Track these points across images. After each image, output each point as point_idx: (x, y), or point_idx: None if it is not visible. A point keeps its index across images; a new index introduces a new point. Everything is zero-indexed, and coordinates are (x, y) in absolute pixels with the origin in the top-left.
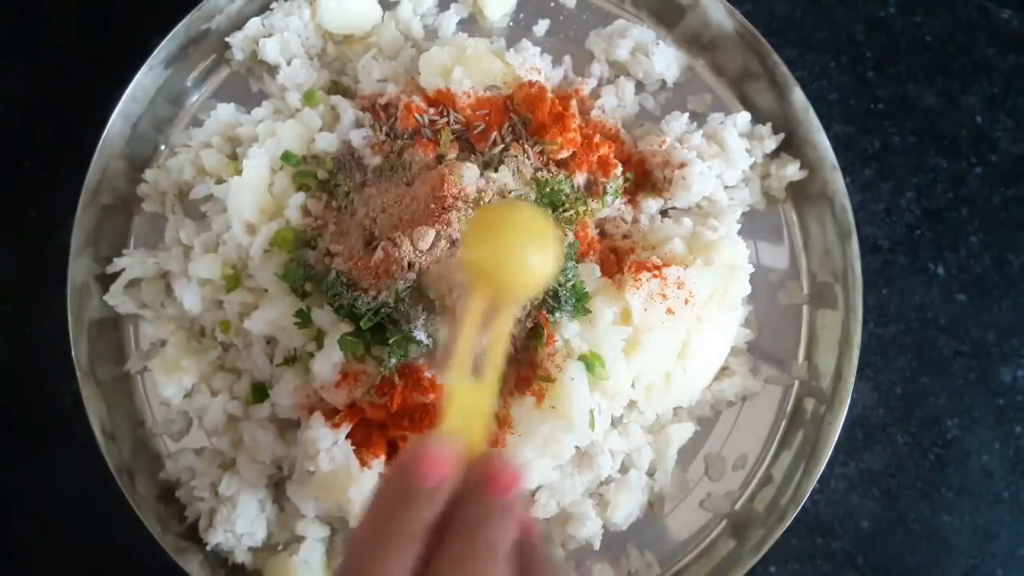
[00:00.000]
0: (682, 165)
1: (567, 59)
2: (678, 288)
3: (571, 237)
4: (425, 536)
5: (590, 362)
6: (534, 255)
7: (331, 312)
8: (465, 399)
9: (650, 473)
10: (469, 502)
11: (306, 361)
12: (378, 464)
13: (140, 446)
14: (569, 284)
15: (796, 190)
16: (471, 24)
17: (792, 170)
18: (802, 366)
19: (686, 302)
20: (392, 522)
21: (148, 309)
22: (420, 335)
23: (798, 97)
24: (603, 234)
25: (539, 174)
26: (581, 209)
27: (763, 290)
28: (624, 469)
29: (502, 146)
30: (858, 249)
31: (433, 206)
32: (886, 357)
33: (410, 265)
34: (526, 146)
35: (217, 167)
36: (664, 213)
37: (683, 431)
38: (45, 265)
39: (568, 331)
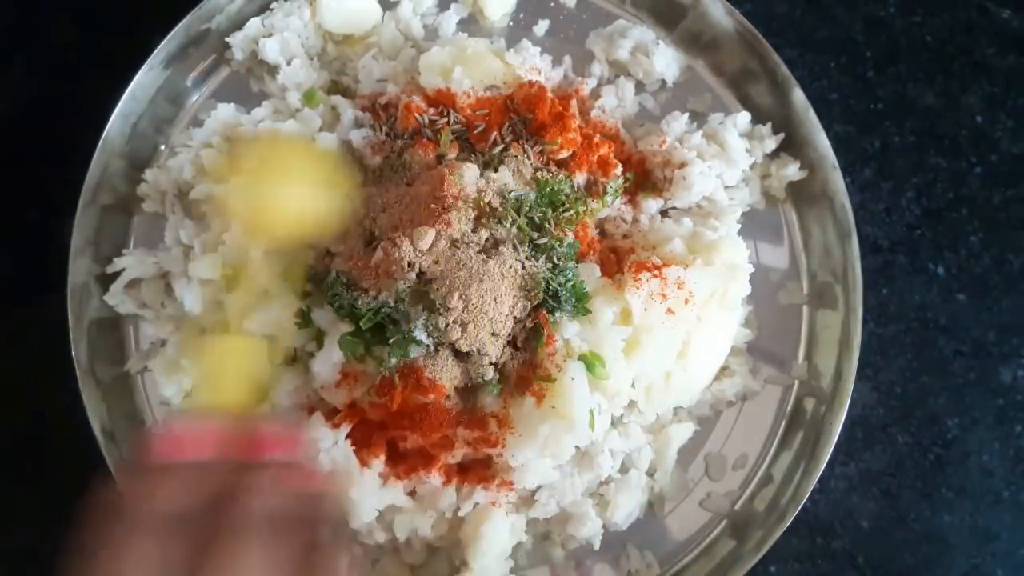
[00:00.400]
0: (682, 165)
1: (567, 59)
2: (678, 288)
3: (571, 237)
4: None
5: (590, 362)
6: (290, 195)
7: (331, 312)
8: (223, 353)
9: (650, 473)
10: (225, 473)
11: (306, 361)
12: (378, 464)
13: None
14: (569, 284)
15: (796, 190)
16: (471, 24)
17: (792, 170)
18: (802, 366)
19: (686, 302)
20: (139, 512)
21: (148, 309)
22: (420, 335)
23: (798, 97)
24: (603, 234)
25: (539, 174)
26: (581, 209)
27: (763, 290)
28: (624, 469)
29: (502, 146)
30: (858, 249)
31: (433, 206)
32: (886, 357)
33: (410, 265)
34: (526, 146)
35: (217, 167)
36: (664, 213)
37: (683, 431)
38: (45, 265)
39: (568, 331)
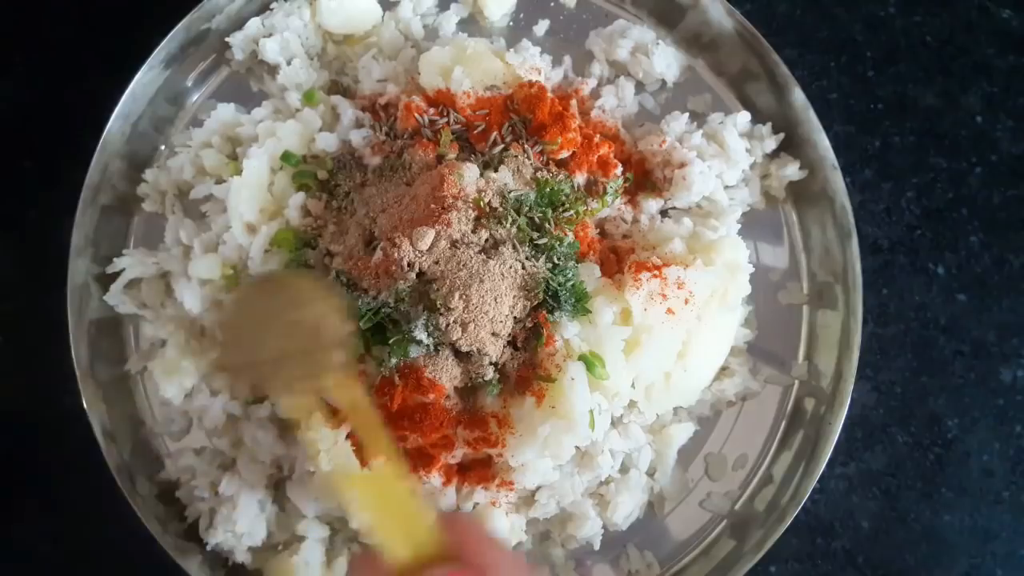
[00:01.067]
0: (682, 165)
1: (567, 59)
2: (678, 288)
3: (571, 237)
4: None
5: (590, 362)
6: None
7: None
8: (372, 492)
9: (650, 473)
10: None
11: None
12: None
13: (140, 446)
14: (569, 284)
15: (796, 190)
16: (471, 24)
17: (792, 170)
18: (802, 366)
19: (686, 302)
20: None
21: (148, 309)
22: (420, 335)
23: (798, 97)
24: (603, 234)
25: (539, 174)
26: (581, 209)
27: (763, 290)
28: (624, 469)
29: (502, 146)
30: (858, 249)
31: (433, 206)
32: (886, 357)
33: (410, 265)
34: (526, 146)
35: (217, 167)
36: (664, 213)
37: (683, 431)
38: (45, 265)
39: (568, 331)
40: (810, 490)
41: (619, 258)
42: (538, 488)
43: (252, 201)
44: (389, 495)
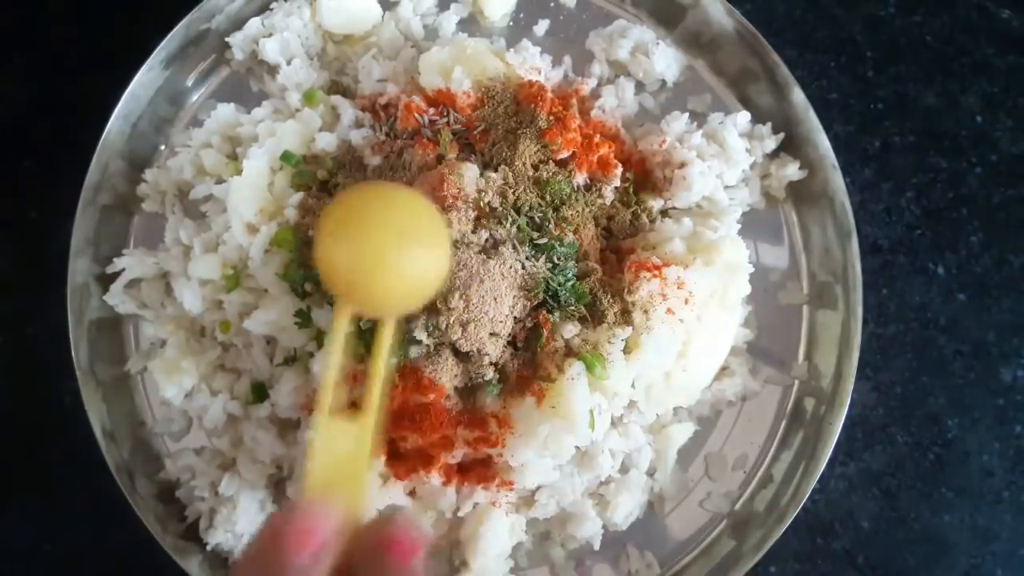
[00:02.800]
0: (682, 165)
1: (567, 59)
2: (678, 288)
3: (571, 237)
4: None
5: (590, 362)
6: (406, 257)
7: (331, 312)
8: (334, 442)
9: (650, 473)
10: (368, 568)
11: (306, 361)
12: (378, 464)
13: (140, 446)
14: (569, 284)
15: (796, 190)
16: (471, 24)
17: (792, 170)
18: (802, 366)
19: (686, 302)
20: None
21: (148, 309)
22: (420, 335)
23: (798, 97)
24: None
25: (539, 174)
26: (581, 209)
27: (763, 290)
28: (624, 469)
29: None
30: (858, 249)
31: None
32: (886, 357)
33: None
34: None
35: (217, 167)
36: (664, 213)
37: (683, 431)
38: (45, 265)
39: (568, 331)
40: (810, 490)
41: (619, 258)
42: (538, 488)
43: (252, 201)
44: (355, 450)
